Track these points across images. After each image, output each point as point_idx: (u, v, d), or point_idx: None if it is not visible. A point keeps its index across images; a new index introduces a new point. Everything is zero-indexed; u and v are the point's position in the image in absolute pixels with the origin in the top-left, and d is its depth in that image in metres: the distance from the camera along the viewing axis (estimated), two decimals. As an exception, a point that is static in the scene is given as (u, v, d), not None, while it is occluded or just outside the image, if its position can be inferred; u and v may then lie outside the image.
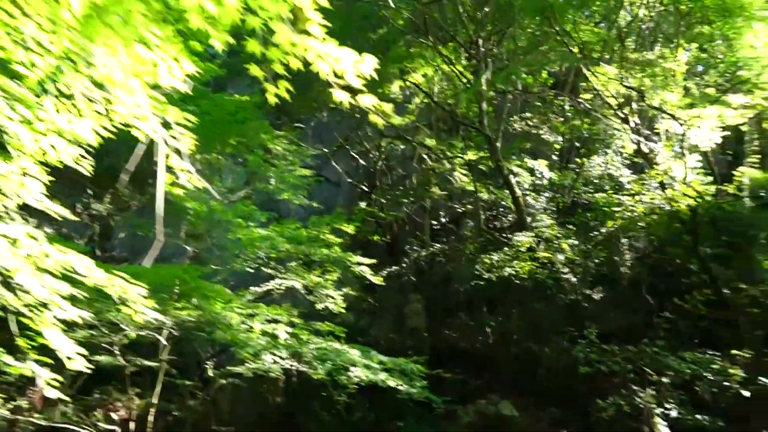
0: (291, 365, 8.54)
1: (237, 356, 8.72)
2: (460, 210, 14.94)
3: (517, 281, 11.31)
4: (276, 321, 7.71)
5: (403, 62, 13.23)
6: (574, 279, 11.67)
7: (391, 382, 8.06)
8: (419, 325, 12.92)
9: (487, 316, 12.46)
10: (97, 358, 9.62)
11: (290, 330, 7.71)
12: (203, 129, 9.46)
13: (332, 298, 9.51)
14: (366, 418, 11.25)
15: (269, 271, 9.88)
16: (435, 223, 14.91)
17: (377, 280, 9.64)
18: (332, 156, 15.37)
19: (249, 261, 9.36)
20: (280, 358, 8.35)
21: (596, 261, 11.91)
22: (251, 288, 9.98)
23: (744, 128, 12.07)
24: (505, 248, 11.59)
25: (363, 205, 14.36)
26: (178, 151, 2.99)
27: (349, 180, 15.62)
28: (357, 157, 15.49)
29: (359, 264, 9.39)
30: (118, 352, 8.83)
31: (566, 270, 11.66)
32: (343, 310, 9.56)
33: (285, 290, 10.03)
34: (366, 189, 15.29)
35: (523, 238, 11.35)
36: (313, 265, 9.96)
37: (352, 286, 10.99)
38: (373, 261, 9.60)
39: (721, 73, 11.00)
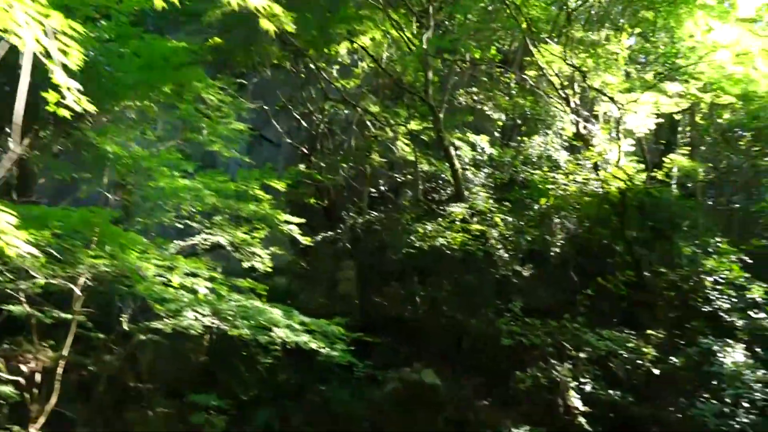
0: (212, 322, 8.29)
1: (156, 311, 8.39)
2: (399, 179, 14.86)
3: (449, 252, 11.36)
4: (195, 275, 7.43)
5: (351, 24, 12.89)
6: (505, 255, 11.81)
7: (313, 345, 7.94)
8: (351, 291, 12.83)
9: (418, 285, 12.50)
10: (10, 307, 9.12)
11: (210, 285, 7.45)
12: (132, 72, 8.97)
13: (259, 256, 9.26)
14: (290, 380, 11.15)
15: (195, 225, 9.52)
16: (374, 191, 14.78)
17: (306, 240, 9.45)
18: (274, 116, 14.93)
19: (174, 213, 8.96)
20: (201, 314, 8.09)
21: (528, 238, 12.08)
22: (176, 242, 9.60)
23: (678, 117, 12.46)
24: (440, 219, 11.60)
25: (302, 167, 14.05)
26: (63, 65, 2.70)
27: (290, 141, 15.25)
28: (299, 118, 15.11)
29: (288, 223, 9.15)
30: (24, 300, 8.34)
31: (499, 246, 11.78)
32: (269, 269, 9.32)
33: (211, 246, 9.71)
34: (306, 151, 14.97)
35: (457, 209, 11.38)
36: (241, 222, 9.66)
37: (281, 246, 10.75)
38: (302, 220, 9.37)
39: (661, 62, 11.24)
